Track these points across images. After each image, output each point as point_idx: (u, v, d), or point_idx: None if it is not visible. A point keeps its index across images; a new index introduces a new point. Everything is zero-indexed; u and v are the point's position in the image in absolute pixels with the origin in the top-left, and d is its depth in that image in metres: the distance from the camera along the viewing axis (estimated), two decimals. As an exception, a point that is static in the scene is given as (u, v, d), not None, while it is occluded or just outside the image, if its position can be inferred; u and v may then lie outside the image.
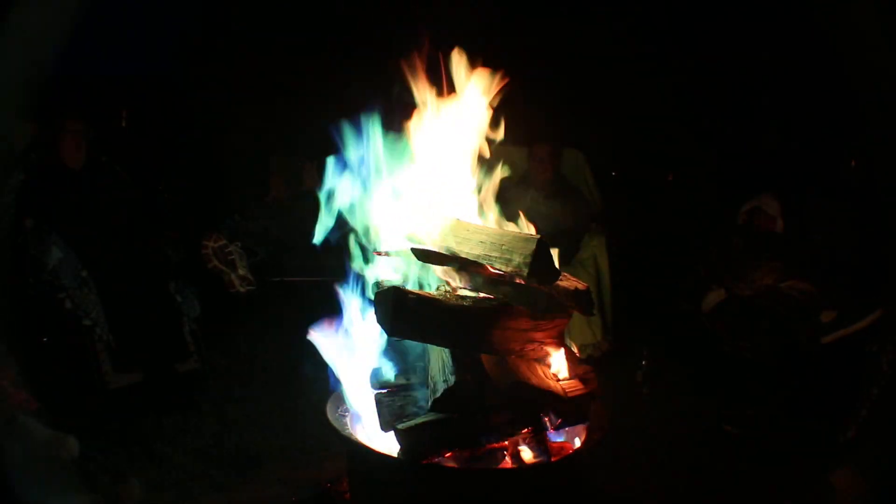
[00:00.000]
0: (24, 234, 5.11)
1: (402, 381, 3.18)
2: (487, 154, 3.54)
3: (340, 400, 3.35)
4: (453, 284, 3.27)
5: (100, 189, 5.59)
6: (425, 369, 3.15)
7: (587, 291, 3.11)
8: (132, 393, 5.15)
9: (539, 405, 3.05)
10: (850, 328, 5.20)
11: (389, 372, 3.22)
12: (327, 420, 3.25)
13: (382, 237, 3.43)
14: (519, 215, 3.54)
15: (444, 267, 3.24)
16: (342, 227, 3.47)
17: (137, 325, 5.23)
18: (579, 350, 6.00)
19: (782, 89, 7.57)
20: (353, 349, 3.37)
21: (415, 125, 3.50)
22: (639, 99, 7.57)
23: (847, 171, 7.35)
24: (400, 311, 2.86)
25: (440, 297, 3.02)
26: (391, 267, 3.40)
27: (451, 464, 3.00)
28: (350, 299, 3.41)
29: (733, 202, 6.40)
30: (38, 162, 5.43)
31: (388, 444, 3.07)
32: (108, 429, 4.76)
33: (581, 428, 3.30)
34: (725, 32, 7.83)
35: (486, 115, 3.51)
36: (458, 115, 3.51)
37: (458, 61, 3.47)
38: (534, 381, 3.05)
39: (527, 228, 3.45)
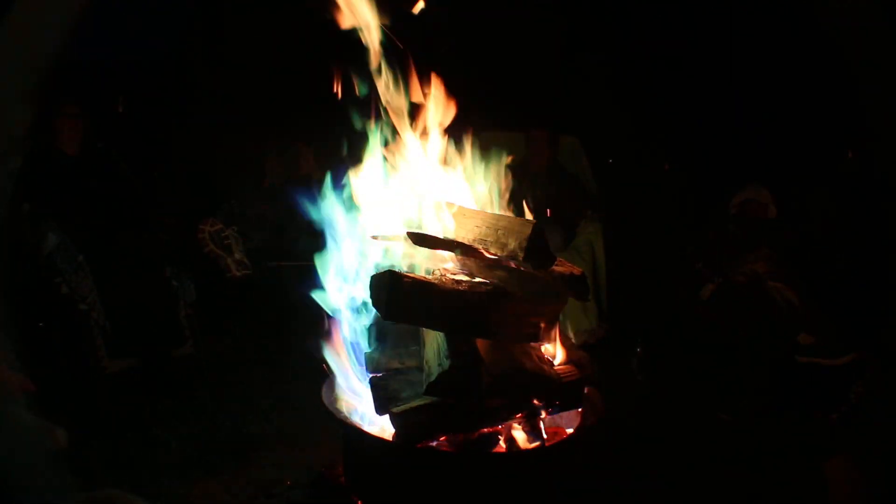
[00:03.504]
0: (20, 220, 5.10)
1: (397, 364, 3.19)
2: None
3: (336, 384, 3.36)
4: (449, 268, 3.27)
5: (96, 175, 5.59)
6: (420, 353, 3.16)
7: (582, 277, 3.12)
8: (128, 378, 5.16)
9: (533, 390, 3.06)
10: (826, 361, 5.24)
11: (385, 355, 3.22)
12: (323, 404, 3.26)
13: (378, 222, 3.43)
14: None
15: (440, 251, 3.25)
16: None
17: (133, 310, 5.23)
18: (574, 336, 6.01)
19: (779, 78, 7.57)
20: (348, 336, 3.39)
21: (411, 112, 3.51)
22: (636, 87, 7.57)
23: (844, 163, 7.34)
24: (396, 294, 2.86)
25: (436, 282, 3.03)
26: (386, 251, 3.40)
27: (446, 448, 3.02)
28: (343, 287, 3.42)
29: (728, 190, 6.39)
30: (36, 147, 5.42)
31: (383, 427, 3.09)
32: (103, 414, 4.77)
33: (575, 413, 3.31)
34: (723, 21, 7.82)
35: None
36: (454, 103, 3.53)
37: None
38: (528, 365, 3.05)
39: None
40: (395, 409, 2.93)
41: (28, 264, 5.05)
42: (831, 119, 6.90)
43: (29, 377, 4.03)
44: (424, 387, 2.97)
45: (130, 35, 7.25)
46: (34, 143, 5.43)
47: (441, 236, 3.23)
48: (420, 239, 3.15)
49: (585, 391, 3.27)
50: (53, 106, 5.43)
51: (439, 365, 2.93)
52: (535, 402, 3.08)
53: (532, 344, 3.19)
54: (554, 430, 3.27)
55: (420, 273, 3.18)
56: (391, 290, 2.86)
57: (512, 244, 2.89)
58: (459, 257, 3.26)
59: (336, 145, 3.62)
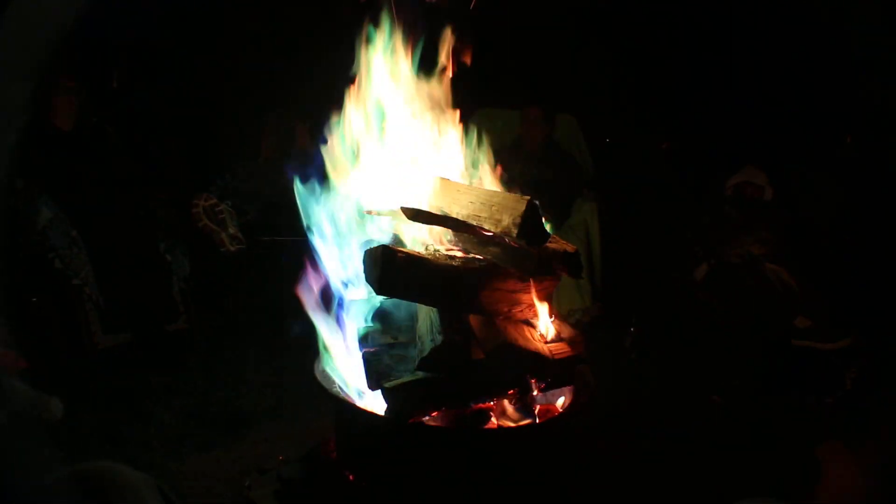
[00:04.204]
0: (13, 195, 5.09)
1: (389, 339, 3.19)
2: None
3: (327, 359, 3.36)
4: (442, 244, 3.27)
5: (90, 149, 5.56)
6: (413, 328, 3.16)
7: (576, 254, 3.11)
8: (121, 352, 5.16)
9: (525, 367, 3.05)
10: (821, 345, 5.24)
11: (377, 330, 3.22)
12: (315, 379, 3.26)
13: (372, 196, 3.42)
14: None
15: (434, 226, 3.24)
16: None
17: (127, 284, 5.23)
18: (568, 314, 6.02)
19: (779, 59, 7.54)
20: (340, 309, 3.38)
21: (403, 86, 3.51)
22: (634, 66, 7.54)
23: (843, 146, 7.32)
24: (389, 269, 2.85)
25: (429, 257, 3.02)
26: (381, 226, 3.40)
27: (438, 423, 3.02)
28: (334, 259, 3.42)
29: (725, 172, 6.38)
30: (29, 121, 5.38)
31: (375, 402, 3.09)
32: (96, 388, 4.76)
33: (567, 391, 3.31)
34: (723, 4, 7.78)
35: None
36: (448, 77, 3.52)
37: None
38: (521, 342, 3.05)
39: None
40: (387, 384, 2.92)
41: (21, 239, 5.03)
42: (831, 102, 6.88)
43: (21, 353, 4.05)
44: (417, 362, 2.97)
45: (126, 10, 7.20)
46: (28, 116, 5.40)
47: (435, 212, 3.22)
48: (414, 214, 3.14)
49: (577, 369, 3.26)
50: (48, 80, 5.39)
51: (432, 340, 2.94)
52: (528, 378, 3.08)
53: (525, 321, 3.19)
54: (545, 408, 3.27)
55: (413, 248, 3.17)
56: (384, 264, 2.85)
57: (506, 220, 2.87)
58: (453, 233, 3.25)
59: (331, 120, 3.60)
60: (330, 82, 3.58)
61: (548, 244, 3.04)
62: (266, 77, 7.16)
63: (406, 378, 2.94)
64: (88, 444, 4.08)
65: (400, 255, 2.89)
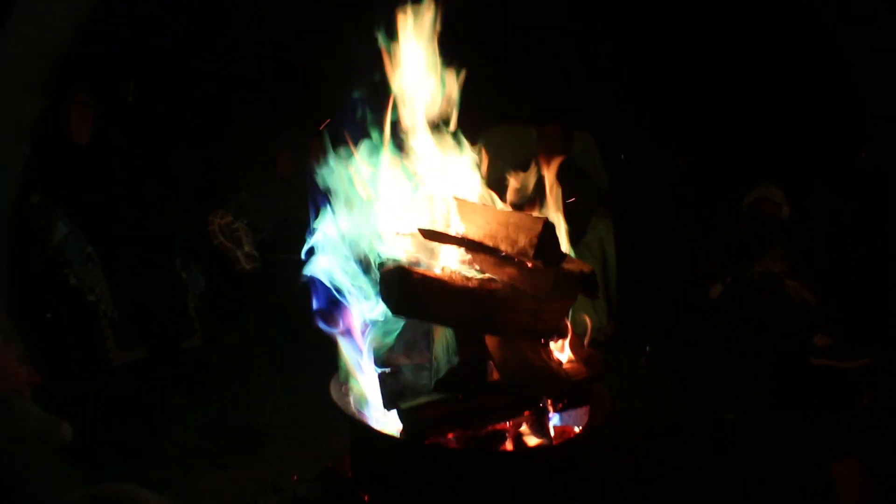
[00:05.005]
0: (29, 209, 5.10)
1: (405, 360, 3.18)
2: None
3: (344, 378, 3.35)
4: (459, 264, 3.26)
5: (106, 164, 5.58)
6: (429, 349, 3.15)
7: (592, 274, 3.10)
8: (136, 369, 5.15)
9: (542, 387, 3.04)
10: (840, 364, 5.21)
11: (393, 351, 3.21)
12: (330, 398, 3.25)
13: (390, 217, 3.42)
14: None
15: (450, 246, 3.23)
16: None
17: (142, 301, 5.23)
18: (583, 333, 5.99)
19: (794, 75, 7.52)
20: (356, 328, 3.37)
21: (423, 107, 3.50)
22: (650, 82, 7.54)
23: (857, 163, 7.29)
24: (405, 290, 2.85)
25: (445, 278, 3.01)
26: (397, 246, 3.39)
27: (453, 444, 3.01)
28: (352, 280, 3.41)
29: (740, 189, 6.36)
30: (45, 136, 5.40)
31: (390, 423, 3.08)
32: (110, 405, 4.76)
33: (583, 412, 3.30)
34: (738, 16, 7.78)
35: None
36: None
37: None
38: (537, 363, 3.03)
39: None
40: (402, 405, 2.92)
41: (37, 255, 5.04)
42: (846, 117, 6.86)
43: (36, 369, 4.04)
44: (433, 382, 2.96)
45: (142, 23, 7.25)
46: (44, 131, 5.42)
47: (451, 232, 3.22)
48: (431, 234, 3.14)
49: (594, 389, 3.25)
50: (64, 94, 5.41)
51: (448, 361, 2.93)
52: (544, 399, 3.07)
53: (541, 341, 3.18)
54: (561, 429, 3.26)
55: (429, 269, 3.17)
56: (401, 285, 2.85)
57: (522, 241, 2.87)
58: (470, 253, 3.24)
59: (346, 138, 3.60)
60: (345, 99, 3.58)
61: (564, 264, 3.03)
62: (282, 94, 7.18)
63: (422, 399, 2.93)
64: (102, 461, 4.07)
65: (416, 275, 2.89)
